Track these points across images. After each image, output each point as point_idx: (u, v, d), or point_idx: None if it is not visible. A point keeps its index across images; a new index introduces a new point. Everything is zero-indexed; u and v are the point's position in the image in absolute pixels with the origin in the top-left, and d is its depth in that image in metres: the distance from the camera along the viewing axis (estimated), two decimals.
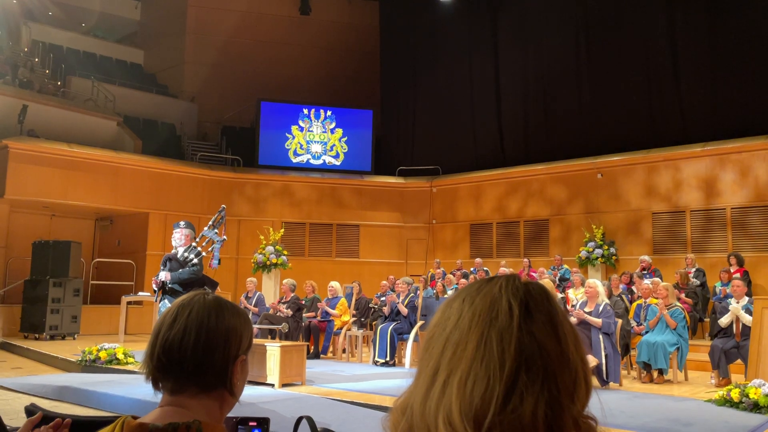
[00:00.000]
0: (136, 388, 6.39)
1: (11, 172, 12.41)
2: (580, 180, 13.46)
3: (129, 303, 11.99)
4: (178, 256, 6.42)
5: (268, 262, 12.81)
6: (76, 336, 11.74)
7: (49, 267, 11.67)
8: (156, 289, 6.27)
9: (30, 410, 2.10)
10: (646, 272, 10.71)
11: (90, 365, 8.01)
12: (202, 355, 1.11)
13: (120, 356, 8.02)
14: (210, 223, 7.06)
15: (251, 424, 1.49)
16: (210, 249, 6.77)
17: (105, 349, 8.08)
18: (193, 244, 6.61)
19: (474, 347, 0.75)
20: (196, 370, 1.11)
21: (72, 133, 14.04)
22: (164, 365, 1.11)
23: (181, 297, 1.18)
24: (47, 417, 1.53)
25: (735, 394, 5.64)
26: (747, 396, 5.54)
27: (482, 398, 0.72)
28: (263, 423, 1.50)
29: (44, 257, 11.76)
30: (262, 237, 13.15)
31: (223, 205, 7.57)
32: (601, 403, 0.84)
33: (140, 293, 12.38)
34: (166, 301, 6.29)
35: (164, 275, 6.24)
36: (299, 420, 1.57)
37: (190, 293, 1.20)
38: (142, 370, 1.16)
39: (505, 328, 0.76)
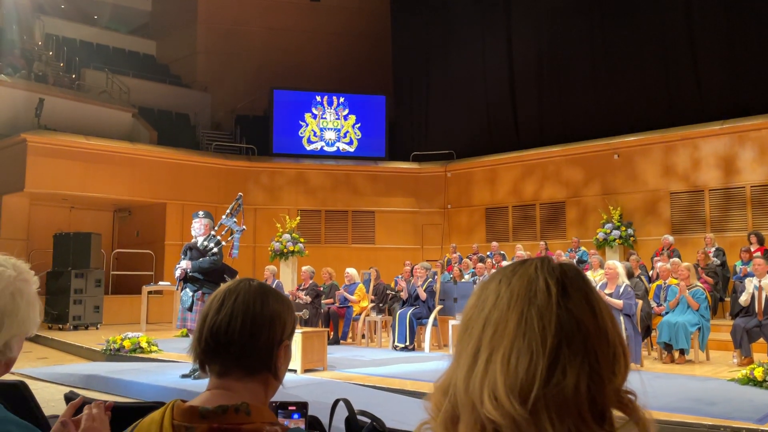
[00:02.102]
0: (161, 376, 6.50)
1: (30, 166, 12.56)
2: (597, 161, 13.36)
3: (150, 292, 12.14)
4: (198, 245, 6.48)
5: (285, 250, 12.89)
6: (98, 326, 11.93)
7: (71, 258, 11.84)
8: (178, 278, 6.34)
9: (69, 397, 2.15)
10: (663, 252, 10.64)
11: (114, 354, 8.14)
12: (248, 339, 1.13)
13: (144, 345, 8.14)
14: (228, 211, 7.11)
15: (291, 408, 1.52)
16: (230, 238, 6.83)
17: (129, 338, 8.20)
18: (212, 233, 6.67)
19: (515, 325, 0.78)
20: (242, 353, 1.13)
21: (88, 125, 14.16)
22: (211, 348, 1.14)
23: (226, 283, 1.21)
24: (86, 402, 1.57)
25: (758, 373, 5.61)
26: None
27: (526, 373, 0.74)
28: (302, 407, 1.53)
29: (65, 249, 11.92)
30: (278, 225, 13.22)
31: (240, 193, 7.62)
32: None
33: (160, 283, 12.53)
34: (187, 289, 6.36)
35: (185, 264, 6.30)
36: (336, 402, 1.60)
37: (236, 279, 1.22)
38: (189, 353, 1.19)
39: (544, 305, 0.78)
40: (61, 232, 12.50)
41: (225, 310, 1.15)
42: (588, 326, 0.78)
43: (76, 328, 11.57)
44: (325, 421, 1.75)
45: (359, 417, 1.60)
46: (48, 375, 6.93)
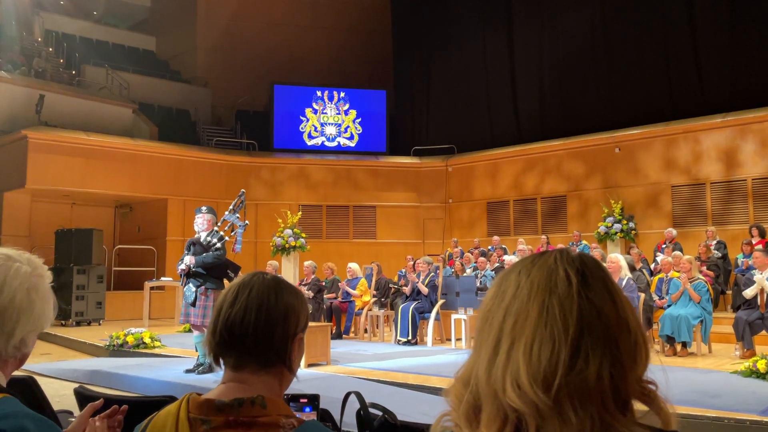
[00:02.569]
0: (164, 371, 6.51)
1: (31, 162, 12.55)
2: (598, 155, 13.34)
3: (152, 288, 12.15)
4: (201, 240, 6.48)
5: (286, 245, 12.90)
6: (101, 322, 11.95)
7: (73, 255, 11.85)
8: (182, 273, 6.35)
9: (79, 392, 2.16)
10: (666, 245, 10.65)
11: (118, 350, 8.16)
12: (262, 332, 1.14)
13: (147, 340, 8.16)
14: (230, 207, 7.12)
15: (302, 401, 1.52)
16: (233, 233, 6.84)
17: (132, 334, 8.22)
18: (215, 228, 6.67)
19: (536, 314, 0.78)
20: (257, 346, 1.14)
21: (89, 121, 14.16)
22: (226, 341, 1.14)
23: (240, 277, 1.21)
24: (108, 401, 1.57)
25: (761, 365, 5.62)
26: None
27: (549, 361, 0.75)
28: (314, 400, 1.53)
29: (67, 245, 11.93)
30: (279, 220, 13.23)
31: (243, 190, 7.63)
32: None
33: (162, 278, 12.55)
34: (190, 284, 6.36)
35: (188, 259, 6.31)
36: (347, 395, 1.61)
37: (249, 273, 1.23)
38: (203, 347, 1.19)
39: (565, 295, 0.79)
40: (62, 228, 12.51)
41: (239, 303, 1.15)
42: (609, 315, 0.78)
43: (78, 324, 11.59)
44: (334, 414, 1.75)
45: (370, 410, 1.60)
46: (52, 371, 6.94)
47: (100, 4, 19.97)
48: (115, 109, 15.45)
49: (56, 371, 6.91)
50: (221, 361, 1.18)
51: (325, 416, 1.68)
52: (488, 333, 0.82)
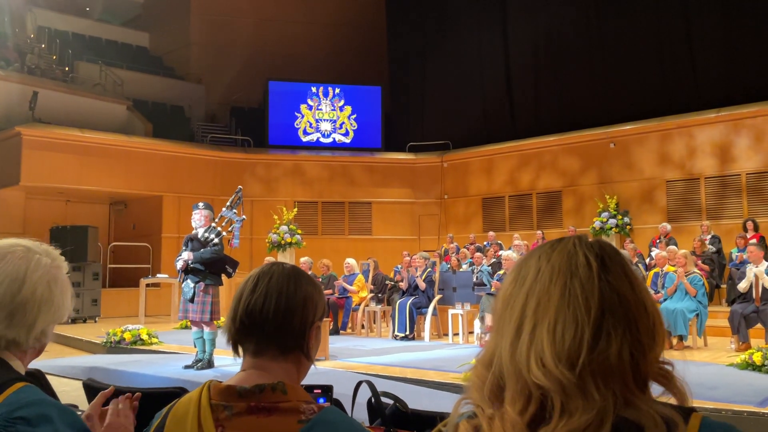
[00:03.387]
0: (163, 367, 6.52)
1: (25, 159, 12.48)
2: (593, 150, 13.39)
3: (147, 285, 12.13)
4: (199, 236, 6.48)
5: (282, 242, 12.90)
6: (97, 319, 11.92)
7: (68, 252, 11.70)
8: (180, 270, 6.34)
9: (88, 385, 2.16)
10: (660, 240, 10.71)
11: (115, 346, 8.15)
12: (282, 318, 1.15)
13: (144, 337, 8.16)
14: (228, 203, 7.12)
15: (315, 392, 1.53)
16: (230, 229, 6.84)
17: (129, 331, 8.21)
18: (213, 224, 6.67)
19: (558, 296, 0.81)
20: (276, 332, 1.15)
21: (83, 118, 14.08)
22: (246, 327, 1.16)
23: (259, 266, 1.22)
24: (119, 390, 1.58)
25: (757, 358, 5.68)
26: None
27: (573, 341, 0.78)
28: (327, 391, 1.54)
29: (62, 242, 11.86)
30: (275, 217, 13.22)
31: (240, 186, 7.63)
32: None
33: (158, 275, 12.52)
34: (189, 280, 6.36)
35: (187, 255, 6.31)
36: (358, 384, 1.62)
37: (268, 263, 1.24)
38: (224, 333, 1.21)
39: (586, 278, 0.82)
40: (57, 225, 12.46)
41: (259, 290, 1.16)
42: (628, 298, 0.81)
43: (74, 321, 11.55)
44: (345, 405, 1.77)
45: (382, 399, 1.62)
46: (50, 367, 6.91)
47: (92, 0, 19.85)
48: (109, 105, 15.38)
49: (54, 368, 6.89)
50: (240, 349, 1.19)
51: (337, 407, 1.69)
52: (510, 316, 0.84)
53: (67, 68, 16.61)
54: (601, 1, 13.84)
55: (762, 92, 11.40)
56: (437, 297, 9.15)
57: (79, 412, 1.87)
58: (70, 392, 5.31)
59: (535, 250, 0.89)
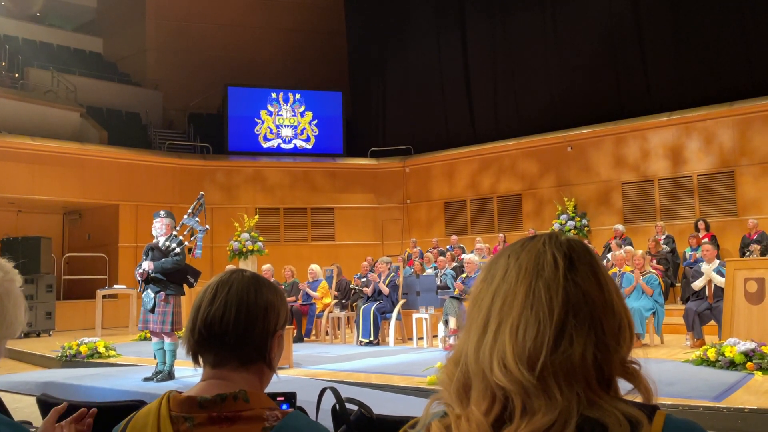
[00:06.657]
0: (122, 380, 6.35)
1: None
2: (551, 154, 13.64)
3: (104, 297, 11.81)
4: (160, 245, 6.34)
5: (244, 249, 12.74)
6: (51, 332, 11.55)
7: (20, 264, 11.33)
8: (140, 279, 6.19)
9: (42, 400, 2.09)
10: (614, 242, 10.96)
11: (71, 360, 7.90)
12: (243, 329, 1.13)
13: (101, 349, 7.93)
14: (189, 210, 7.01)
15: (279, 399, 1.51)
16: (192, 238, 6.72)
17: (85, 343, 7.97)
18: (174, 233, 6.54)
19: (523, 297, 0.81)
20: (237, 343, 1.12)
21: (34, 126, 13.65)
22: (205, 339, 1.13)
23: (218, 274, 1.20)
24: (73, 406, 1.53)
25: (711, 354, 5.85)
26: (723, 355, 5.75)
27: (534, 342, 0.78)
28: (291, 398, 1.52)
29: (14, 254, 11.46)
30: (236, 224, 13.05)
31: (202, 192, 7.51)
32: None
33: (115, 286, 12.21)
34: (149, 290, 6.22)
35: (147, 265, 6.16)
36: (322, 391, 1.60)
37: (228, 270, 1.22)
38: (182, 345, 1.17)
39: (552, 278, 0.81)
40: (8, 237, 12.05)
41: (218, 301, 1.13)
42: (594, 298, 0.81)
43: (27, 335, 11.16)
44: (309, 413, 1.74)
45: (347, 405, 1.60)
46: (2, 384, 6.67)
47: (44, 5, 19.29)
48: (62, 113, 14.94)
49: (7, 384, 6.65)
50: (200, 360, 1.16)
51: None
52: (477, 314, 0.84)
53: (17, 74, 16.10)
54: (557, 6, 14.13)
55: (711, 96, 11.80)
56: (401, 302, 9.16)
57: (33, 429, 1.81)
58: (23, 408, 5.13)
59: (506, 248, 0.89)
